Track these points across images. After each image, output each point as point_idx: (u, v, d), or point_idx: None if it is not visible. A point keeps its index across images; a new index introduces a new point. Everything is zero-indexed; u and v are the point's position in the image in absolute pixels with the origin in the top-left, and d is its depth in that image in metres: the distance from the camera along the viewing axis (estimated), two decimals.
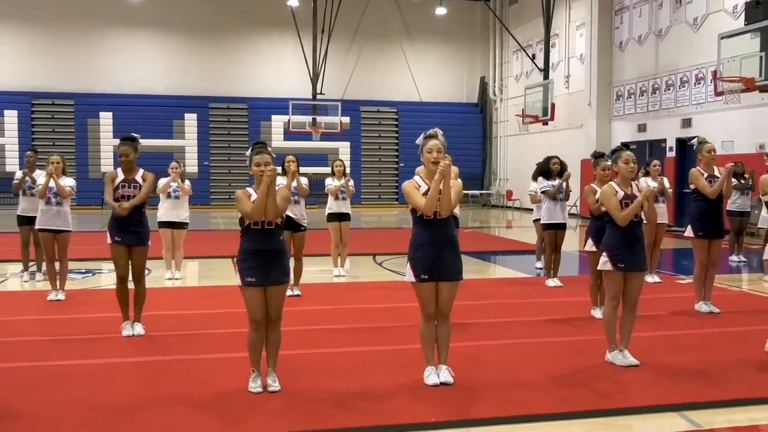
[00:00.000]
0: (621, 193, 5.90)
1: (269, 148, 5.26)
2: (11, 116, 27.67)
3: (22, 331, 7.11)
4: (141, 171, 6.86)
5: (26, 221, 9.82)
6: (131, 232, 6.73)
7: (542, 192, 9.82)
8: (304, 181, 8.73)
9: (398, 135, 30.93)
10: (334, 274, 10.78)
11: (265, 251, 5.05)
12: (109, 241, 6.77)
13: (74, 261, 11.49)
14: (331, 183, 10.47)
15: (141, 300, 6.92)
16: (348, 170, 15.78)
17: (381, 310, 8.21)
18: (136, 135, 6.88)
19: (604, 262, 5.87)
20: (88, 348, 6.45)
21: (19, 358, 6.06)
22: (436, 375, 5.23)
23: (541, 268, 11.23)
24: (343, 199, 10.55)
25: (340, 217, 10.58)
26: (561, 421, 4.66)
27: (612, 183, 6.02)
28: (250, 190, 5.17)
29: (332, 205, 10.56)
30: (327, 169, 11.60)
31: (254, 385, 5.08)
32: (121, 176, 6.77)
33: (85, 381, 5.41)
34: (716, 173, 7.85)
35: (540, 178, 9.93)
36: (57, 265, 8.69)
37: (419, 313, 5.34)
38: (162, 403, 4.89)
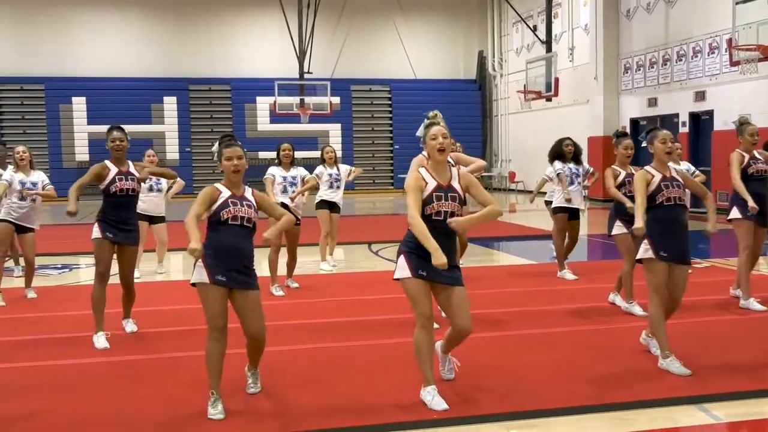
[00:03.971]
0: (658, 177, 5.64)
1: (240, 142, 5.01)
2: None
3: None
4: (130, 163, 6.79)
5: None
6: (124, 231, 6.58)
7: (557, 174, 9.58)
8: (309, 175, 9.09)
9: (392, 115, 30.85)
10: (321, 267, 10.66)
11: (238, 251, 4.75)
12: (96, 235, 6.52)
13: (50, 256, 11.47)
14: (323, 172, 10.39)
15: (131, 300, 6.89)
16: (339, 154, 15.73)
17: (377, 302, 8.19)
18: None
19: (645, 250, 5.59)
20: (68, 347, 6.41)
21: (4, 359, 6.04)
22: (440, 397, 4.75)
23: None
24: (337, 187, 10.50)
25: (331, 206, 10.54)
26: (571, 416, 4.65)
27: (647, 167, 5.75)
28: (220, 187, 4.84)
29: (324, 193, 10.50)
30: (316, 154, 11.54)
31: (214, 411, 4.61)
32: (114, 169, 6.59)
33: (75, 382, 5.39)
34: (757, 155, 7.71)
35: (556, 162, 9.68)
36: (20, 261, 8.58)
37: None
38: (144, 404, 4.88)
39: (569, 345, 6.28)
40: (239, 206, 4.79)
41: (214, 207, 4.78)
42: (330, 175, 10.40)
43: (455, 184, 4.83)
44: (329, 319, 7.45)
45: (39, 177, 8.60)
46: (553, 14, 25.24)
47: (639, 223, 5.47)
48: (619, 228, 7.42)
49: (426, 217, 4.73)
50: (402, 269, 4.78)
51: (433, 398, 4.74)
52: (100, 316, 6.50)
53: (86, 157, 27.11)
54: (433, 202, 4.74)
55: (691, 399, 4.87)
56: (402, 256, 4.81)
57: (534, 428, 4.50)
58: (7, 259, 10.24)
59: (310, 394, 5.06)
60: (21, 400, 5.04)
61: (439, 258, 4.55)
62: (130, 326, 6.88)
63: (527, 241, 14.23)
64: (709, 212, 5.89)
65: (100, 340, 6.42)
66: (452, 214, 4.74)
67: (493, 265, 11.32)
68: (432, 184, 4.77)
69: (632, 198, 6.67)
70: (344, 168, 10.67)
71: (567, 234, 9.67)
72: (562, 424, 4.55)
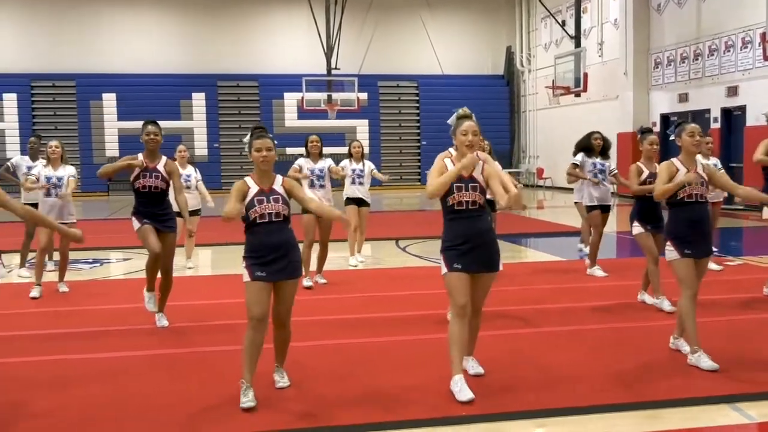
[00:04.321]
0: (683, 171, 5.61)
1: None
2: (10, 100, 27.83)
3: (31, 324, 7.17)
4: (164, 159, 6.91)
5: None
6: (159, 220, 6.81)
7: (576, 164, 9.53)
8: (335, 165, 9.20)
9: (419, 111, 30.78)
10: (350, 263, 10.71)
11: (274, 246, 4.84)
12: (136, 225, 6.80)
13: (81, 251, 11.59)
14: (347, 166, 10.40)
15: (167, 290, 6.99)
16: (366, 150, 15.72)
17: (405, 298, 8.18)
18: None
19: (670, 252, 5.59)
20: (106, 341, 6.49)
21: (34, 352, 6.12)
22: (468, 388, 4.82)
23: (586, 253, 11.02)
24: (360, 183, 10.51)
25: (359, 202, 10.56)
26: (602, 414, 4.62)
27: (674, 159, 5.72)
28: (249, 182, 4.92)
29: (349, 191, 10.53)
30: (344, 150, 11.59)
31: (246, 399, 4.71)
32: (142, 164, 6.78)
33: (105, 376, 5.45)
34: None
35: (581, 155, 9.63)
36: (55, 255, 8.72)
37: (446, 298, 5.28)
38: (175, 398, 4.92)
39: (599, 342, 6.23)
40: (265, 203, 4.84)
41: (244, 204, 4.85)
42: (353, 170, 10.42)
43: (477, 175, 4.98)
44: (357, 315, 7.46)
45: (66, 171, 8.70)
46: (582, 9, 25.02)
47: (666, 186, 5.49)
48: (638, 228, 7.37)
49: (449, 208, 4.94)
50: (443, 266, 5.00)
51: (460, 388, 4.81)
52: (153, 279, 6.87)
53: (116, 153, 27.35)
54: (453, 193, 4.91)
55: (724, 398, 4.81)
56: (442, 254, 5.02)
57: (564, 426, 4.47)
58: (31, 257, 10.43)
59: (338, 389, 5.08)
60: (55, 391, 5.11)
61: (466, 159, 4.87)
62: (161, 321, 6.95)
63: (554, 237, 14.13)
64: (754, 193, 5.78)
65: (150, 304, 6.91)
66: (474, 203, 4.91)
67: (520, 262, 11.26)
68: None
69: (650, 197, 6.68)
70: (369, 165, 10.67)
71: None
72: (593, 421, 4.52)
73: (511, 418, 4.56)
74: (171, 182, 6.93)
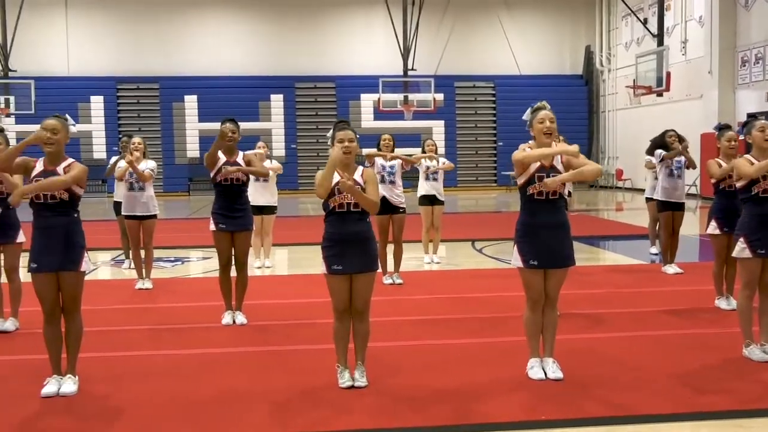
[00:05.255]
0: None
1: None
2: (97, 102, 28.85)
3: (114, 320, 7.41)
4: (241, 153, 7.12)
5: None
6: (235, 218, 6.97)
7: (660, 161, 9.46)
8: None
9: (496, 112, 30.55)
10: (426, 261, 10.81)
11: (350, 236, 5.01)
12: (212, 227, 7.01)
13: (162, 249, 11.93)
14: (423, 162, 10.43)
15: (243, 288, 7.15)
16: (441, 151, 15.70)
17: (481, 300, 8.14)
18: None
19: (741, 249, 5.59)
20: (184, 338, 6.67)
21: (115, 347, 6.31)
22: (541, 368, 5.16)
23: (656, 254, 10.90)
24: (434, 179, 10.50)
25: (432, 200, 10.55)
26: (683, 422, 4.50)
27: (747, 155, 5.71)
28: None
29: (422, 188, 10.54)
30: (419, 150, 11.55)
31: (343, 380, 5.08)
32: (222, 158, 6.98)
33: (182, 372, 5.59)
34: None
35: (658, 152, 9.63)
36: (143, 253, 9.02)
37: (523, 302, 5.27)
38: (255, 396, 5.00)
39: (678, 348, 6.06)
40: (346, 192, 4.95)
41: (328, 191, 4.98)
42: (428, 167, 10.42)
43: (557, 165, 5.08)
44: (436, 315, 7.45)
45: (146, 165, 9.01)
46: (665, 6, 24.43)
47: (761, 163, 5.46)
48: (713, 227, 7.23)
49: (529, 197, 5.05)
50: (516, 259, 5.15)
51: (533, 367, 5.15)
52: (228, 298, 7.13)
53: (197, 154, 28.06)
54: (535, 182, 5.01)
55: None
56: (515, 246, 5.14)
57: None
58: (120, 253, 10.77)
59: (416, 389, 5.07)
60: (138, 385, 5.27)
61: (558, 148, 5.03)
62: (240, 318, 7.09)
63: (633, 240, 13.81)
64: None
65: (226, 318, 7.08)
66: (554, 193, 5.01)
67: (597, 264, 11.06)
68: (536, 164, 5.03)
69: (731, 194, 6.75)
70: (441, 160, 10.68)
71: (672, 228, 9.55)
72: (675, 430, 4.40)
73: (586, 425, 4.47)
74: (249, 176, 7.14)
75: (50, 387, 5.03)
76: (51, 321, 5.10)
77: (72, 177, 5.00)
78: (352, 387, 5.03)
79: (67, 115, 5.34)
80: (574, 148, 5.02)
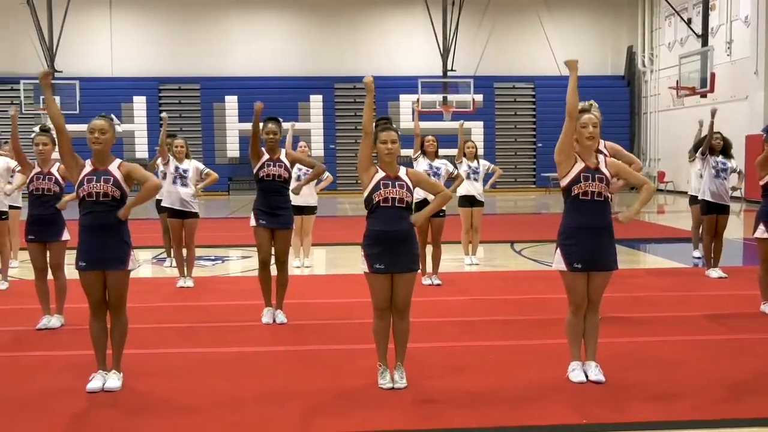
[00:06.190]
0: None
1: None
2: (140, 102, 29.31)
3: (156, 318, 7.52)
4: (283, 151, 7.21)
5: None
6: (276, 215, 7.05)
7: (701, 155, 9.44)
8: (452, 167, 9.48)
9: (535, 113, 30.36)
10: (466, 262, 10.81)
11: (393, 234, 5.00)
12: (252, 223, 7.11)
13: (203, 248, 12.07)
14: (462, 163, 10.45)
15: (283, 287, 7.21)
16: (481, 152, 15.64)
17: (521, 302, 8.11)
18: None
19: None
20: (224, 336, 6.75)
21: (156, 345, 6.42)
22: (582, 371, 5.13)
23: (699, 258, 10.75)
24: (475, 180, 10.49)
25: (472, 201, 10.53)
26: (729, 429, 4.44)
27: None
28: (377, 167, 5.13)
29: (462, 188, 10.53)
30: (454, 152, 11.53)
31: (383, 381, 5.08)
32: (265, 155, 7.09)
33: (222, 370, 5.65)
34: None
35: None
36: (184, 251, 9.15)
37: (563, 305, 5.24)
38: (294, 395, 5.04)
39: (722, 353, 5.98)
40: (390, 187, 4.99)
41: (369, 188, 5.02)
42: (469, 166, 10.42)
43: (602, 168, 5.10)
44: (475, 317, 7.44)
45: (190, 165, 9.22)
46: (710, 6, 24.06)
47: None
48: (761, 231, 7.15)
49: (573, 198, 5.03)
50: (558, 262, 5.13)
51: (574, 370, 5.12)
52: (268, 295, 7.17)
53: (237, 154, 28.35)
54: (580, 182, 5.02)
55: None
56: (558, 248, 5.12)
57: None
58: (161, 252, 10.93)
59: (455, 391, 5.07)
60: (178, 382, 5.35)
61: None
62: (280, 317, 7.15)
63: (676, 243, 13.64)
64: None
65: (266, 316, 7.12)
66: (599, 194, 5.03)
67: (639, 267, 10.93)
68: (580, 164, 5.04)
69: None
70: (484, 164, 10.68)
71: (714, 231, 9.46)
72: None
73: (628, 429, 4.44)
74: (291, 172, 7.25)
75: (95, 382, 5.13)
76: (97, 317, 5.21)
77: (148, 176, 5.23)
78: (392, 389, 5.03)
79: (113, 115, 5.43)
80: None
